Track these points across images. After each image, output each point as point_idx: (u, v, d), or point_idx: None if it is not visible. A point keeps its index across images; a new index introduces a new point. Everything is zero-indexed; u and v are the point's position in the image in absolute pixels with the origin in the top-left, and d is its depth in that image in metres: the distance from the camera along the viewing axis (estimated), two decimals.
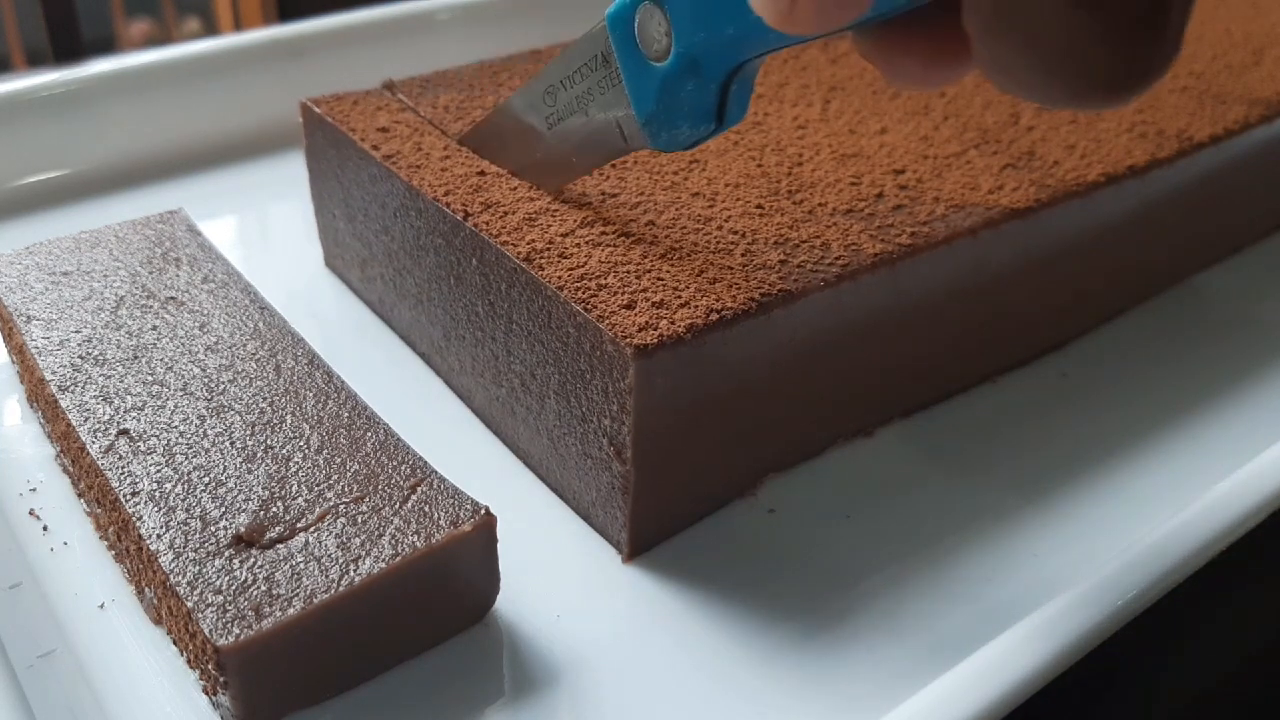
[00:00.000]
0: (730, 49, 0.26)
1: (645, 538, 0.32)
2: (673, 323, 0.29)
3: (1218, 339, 0.42)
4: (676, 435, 0.31)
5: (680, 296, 0.30)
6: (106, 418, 0.31)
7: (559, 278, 0.30)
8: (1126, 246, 0.41)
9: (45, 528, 0.32)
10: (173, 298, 0.36)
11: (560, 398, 0.32)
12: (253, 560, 0.27)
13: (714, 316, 0.29)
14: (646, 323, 0.29)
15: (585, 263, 0.31)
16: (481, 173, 0.36)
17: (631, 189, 0.35)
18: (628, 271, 0.31)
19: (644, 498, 0.31)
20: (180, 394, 0.32)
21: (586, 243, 0.32)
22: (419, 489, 0.29)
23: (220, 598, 0.26)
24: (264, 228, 0.50)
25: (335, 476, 0.29)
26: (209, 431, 0.30)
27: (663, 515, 0.32)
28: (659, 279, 0.31)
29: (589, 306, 0.29)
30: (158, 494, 0.28)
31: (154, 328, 0.34)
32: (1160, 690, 0.32)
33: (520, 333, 0.32)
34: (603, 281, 0.30)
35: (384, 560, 0.27)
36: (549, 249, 0.32)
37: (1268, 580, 0.35)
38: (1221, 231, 0.47)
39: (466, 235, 0.33)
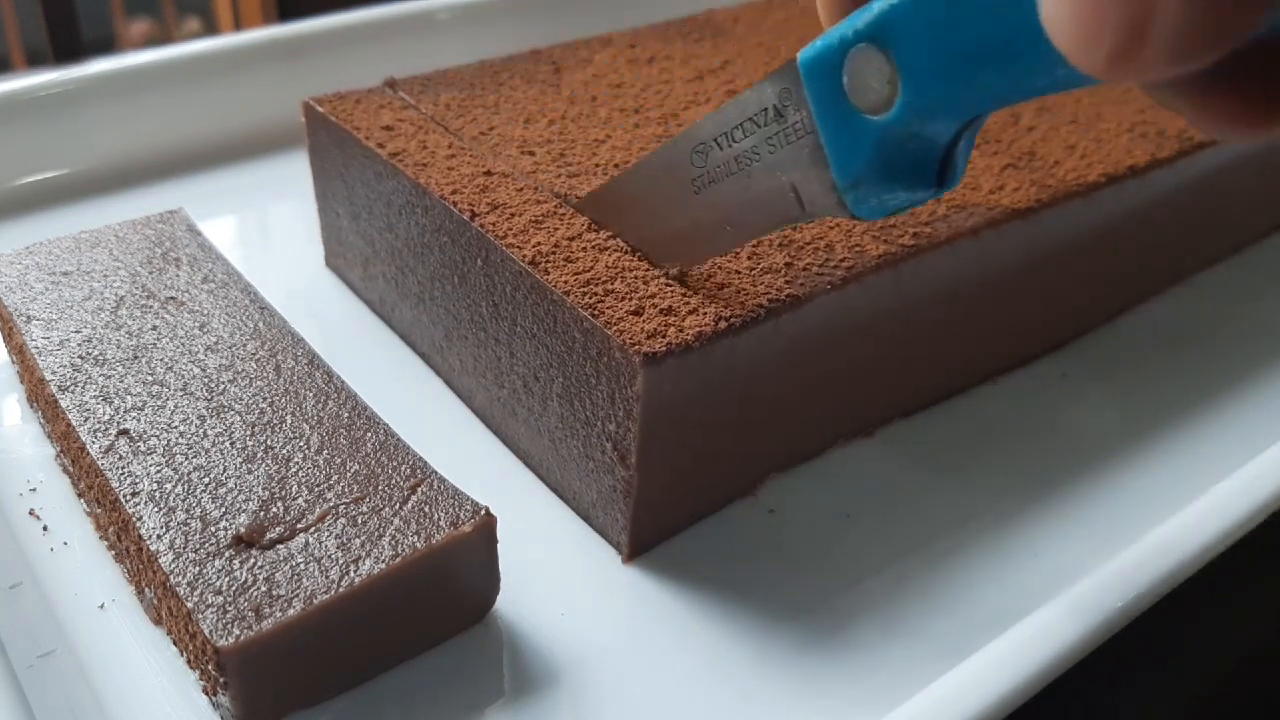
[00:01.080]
0: (980, 98, 0.21)
1: (645, 539, 0.32)
2: (681, 330, 0.29)
3: (1218, 339, 0.42)
4: (681, 439, 0.31)
5: (689, 303, 0.30)
6: (106, 418, 0.31)
7: (565, 282, 0.30)
8: (1127, 246, 0.41)
9: (45, 528, 0.32)
10: (173, 298, 0.36)
11: (564, 401, 0.32)
12: (253, 561, 0.27)
13: (723, 324, 0.29)
14: (655, 330, 0.29)
15: (592, 267, 0.31)
16: (488, 172, 0.36)
17: None
18: (635, 277, 0.31)
19: (645, 500, 0.31)
20: (180, 394, 0.32)
21: (593, 247, 0.32)
22: (419, 489, 0.29)
23: (220, 598, 0.26)
24: (264, 228, 0.50)
25: (335, 477, 0.29)
26: (209, 432, 0.30)
27: (663, 517, 0.32)
28: (666, 285, 0.31)
29: (596, 312, 0.29)
30: (158, 494, 0.28)
31: (154, 328, 0.34)
32: (1162, 690, 0.32)
33: (524, 335, 0.32)
34: (610, 287, 0.30)
35: (384, 561, 0.27)
36: (555, 252, 0.32)
37: (1268, 580, 0.35)
38: (1221, 231, 0.47)
39: (472, 235, 0.33)
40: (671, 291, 0.30)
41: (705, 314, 0.29)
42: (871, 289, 0.32)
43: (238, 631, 0.25)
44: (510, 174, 0.35)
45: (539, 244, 0.32)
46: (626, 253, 0.32)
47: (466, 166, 0.36)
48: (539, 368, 0.32)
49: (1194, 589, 0.30)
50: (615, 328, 0.29)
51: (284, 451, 0.30)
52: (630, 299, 0.30)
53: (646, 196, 0.31)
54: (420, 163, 0.36)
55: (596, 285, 0.30)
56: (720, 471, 0.33)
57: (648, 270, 0.31)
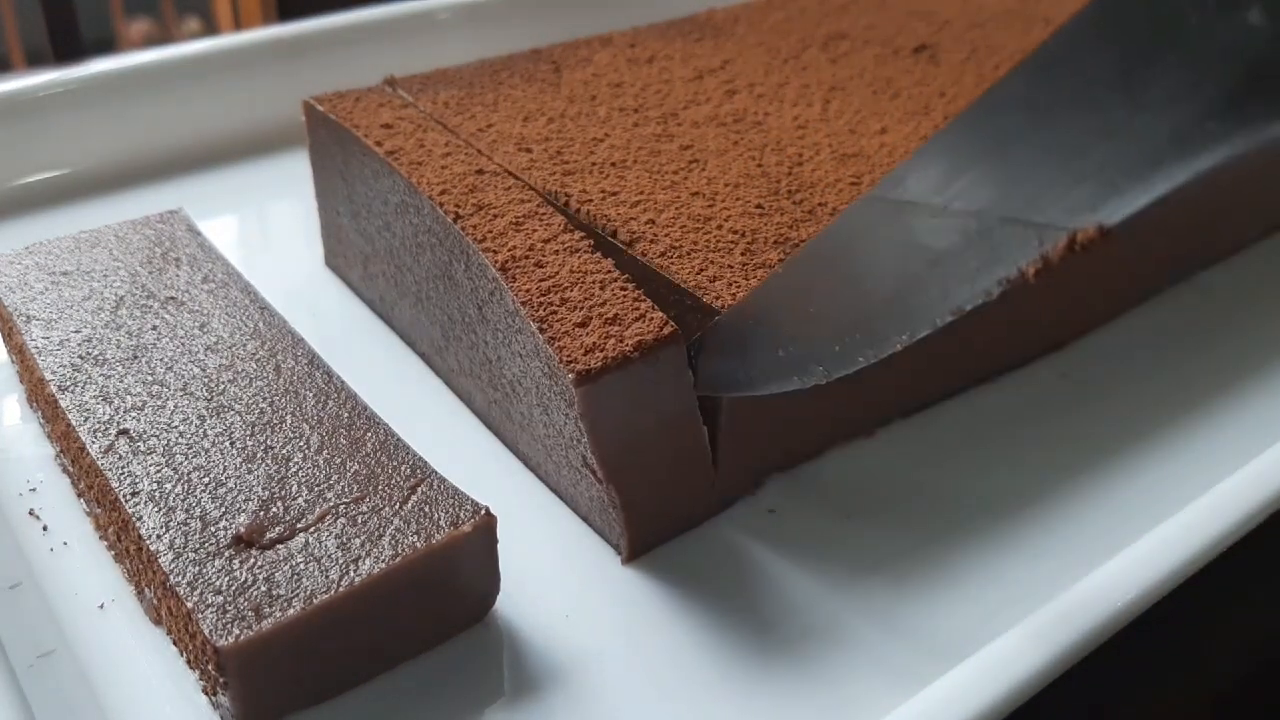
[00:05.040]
0: None
1: (644, 541, 0.32)
2: (621, 341, 0.28)
3: (1219, 339, 0.42)
4: (653, 447, 0.30)
5: (639, 308, 0.29)
6: (106, 418, 0.31)
7: (527, 290, 0.30)
8: (1127, 246, 0.41)
9: (45, 528, 0.32)
10: (173, 298, 0.36)
11: (541, 410, 0.31)
12: (252, 560, 0.27)
13: (667, 330, 0.29)
14: (594, 344, 0.28)
15: (557, 272, 0.30)
16: (479, 171, 0.35)
17: (631, 188, 0.35)
18: (593, 282, 0.30)
19: (634, 508, 0.30)
20: (180, 394, 0.32)
21: (564, 249, 0.31)
22: (419, 489, 0.29)
23: (220, 598, 0.26)
24: (264, 228, 0.50)
25: (335, 477, 0.29)
26: (209, 431, 0.30)
27: (659, 519, 0.32)
28: (622, 289, 0.30)
29: (545, 325, 0.29)
30: (157, 494, 0.28)
31: (154, 328, 0.34)
32: (1161, 691, 0.32)
33: (504, 341, 0.32)
34: (566, 295, 0.30)
35: (384, 561, 0.27)
36: (527, 257, 0.31)
37: (1268, 581, 0.35)
38: (1223, 231, 0.47)
39: (455, 237, 0.33)
40: (624, 296, 0.30)
41: (651, 319, 0.29)
42: None
43: (237, 631, 0.25)
44: (501, 173, 0.35)
45: (514, 247, 0.31)
46: (593, 253, 0.31)
47: (460, 165, 0.36)
48: (518, 377, 0.32)
49: (1195, 590, 0.30)
50: (558, 343, 0.28)
51: (284, 451, 0.30)
52: (582, 307, 0.29)
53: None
54: (415, 161, 0.36)
55: (555, 293, 0.30)
56: (714, 473, 0.33)
57: (610, 272, 0.31)
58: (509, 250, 0.31)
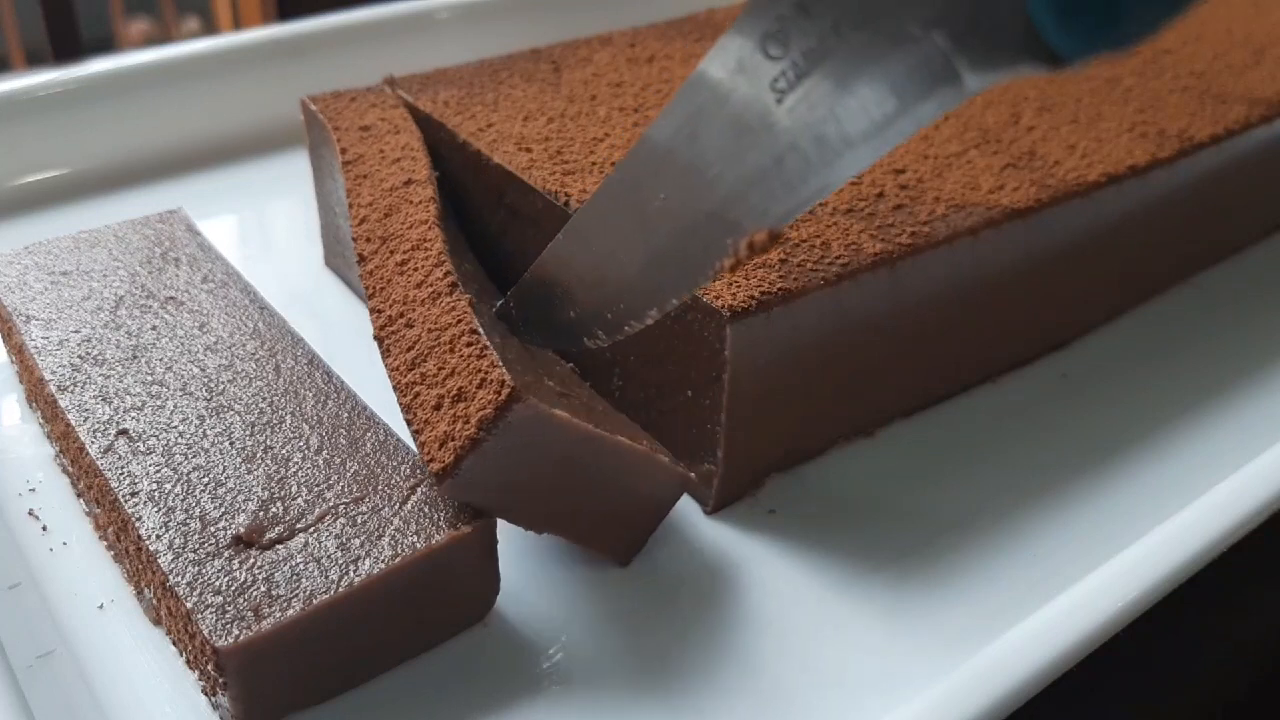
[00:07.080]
0: None
1: (631, 550, 0.32)
2: (467, 422, 0.26)
3: (1218, 339, 0.42)
4: (568, 486, 0.29)
5: (479, 370, 0.27)
6: (106, 418, 0.31)
7: (397, 369, 0.29)
8: (1127, 246, 0.41)
9: (45, 528, 0.32)
10: (172, 297, 0.36)
11: None
12: (252, 561, 0.27)
13: (505, 393, 0.26)
14: (447, 433, 0.27)
15: (420, 336, 0.29)
16: (409, 182, 0.35)
17: None
18: (445, 344, 0.28)
19: (593, 537, 0.30)
20: (180, 394, 0.32)
21: (429, 296, 0.30)
22: (419, 489, 0.29)
23: (220, 598, 0.26)
24: (264, 228, 0.50)
25: (335, 477, 0.29)
26: (208, 431, 0.30)
27: (628, 530, 0.31)
28: (468, 346, 0.28)
29: (411, 415, 0.28)
30: (157, 494, 0.28)
31: (153, 328, 0.34)
32: (1161, 691, 0.32)
33: None
34: (425, 369, 0.28)
35: (383, 561, 0.27)
36: (401, 315, 0.30)
37: (1268, 581, 0.35)
38: (1222, 231, 0.47)
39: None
40: (468, 357, 0.28)
41: (489, 383, 0.26)
42: (867, 287, 0.32)
43: (237, 631, 0.25)
44: (424, 181, 0.35)
45: (394, 302, 0.30)
46: (451, 295, 0.30)
47: (398, 175, 0.35)
48: None
49: (1195, 590, 0.30)
50: (421, 437, 0.27)
51: (283, 451, 0.30)
52: (436, 383, 0.28)
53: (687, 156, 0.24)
54: (361, 174, 0.35)
55: (417, 368, 0.28)
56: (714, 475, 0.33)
57: (461, 322, 0.29)
58: (388, 309, 0.30)
